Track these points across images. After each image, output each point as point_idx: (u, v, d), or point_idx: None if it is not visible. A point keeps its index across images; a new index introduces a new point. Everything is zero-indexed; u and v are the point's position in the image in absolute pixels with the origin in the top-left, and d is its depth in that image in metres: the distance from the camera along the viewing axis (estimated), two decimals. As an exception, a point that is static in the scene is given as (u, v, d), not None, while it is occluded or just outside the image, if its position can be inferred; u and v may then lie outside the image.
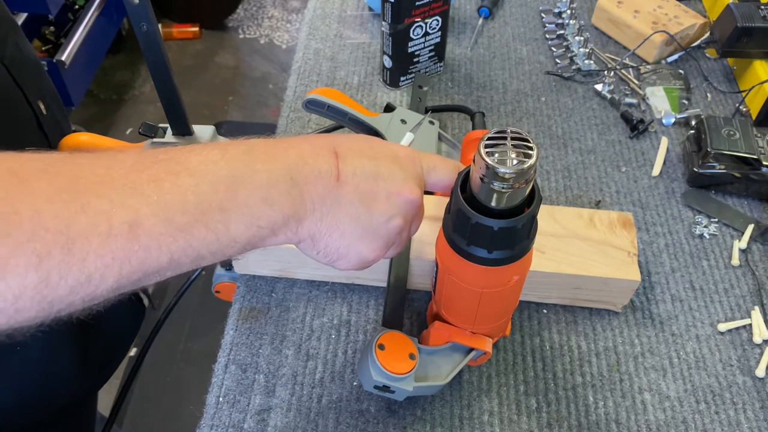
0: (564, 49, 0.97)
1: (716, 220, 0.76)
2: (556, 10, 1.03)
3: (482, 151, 0.43)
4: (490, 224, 0.45)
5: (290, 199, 0.41)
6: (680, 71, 0.93)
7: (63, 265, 0.33)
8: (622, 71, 0.94)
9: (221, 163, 0.39)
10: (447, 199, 0.50)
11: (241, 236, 0.39)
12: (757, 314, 0.68)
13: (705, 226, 0.76)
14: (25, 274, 0.32)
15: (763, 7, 0.86)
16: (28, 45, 0.67)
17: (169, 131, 0.67)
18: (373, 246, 0.46)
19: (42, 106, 0.64)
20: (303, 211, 0.42)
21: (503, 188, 0.43)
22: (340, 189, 0.43)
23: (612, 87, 0.91)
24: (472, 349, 0.59)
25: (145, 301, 0.87)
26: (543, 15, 1.03)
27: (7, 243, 0.31)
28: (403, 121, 0.75)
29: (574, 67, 0.94)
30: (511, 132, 0.44)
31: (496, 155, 0.43)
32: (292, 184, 0.41)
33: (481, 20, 1.01)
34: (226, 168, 0.39)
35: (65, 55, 1.89)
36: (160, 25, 1.74)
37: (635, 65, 0.95)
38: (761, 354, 0.65)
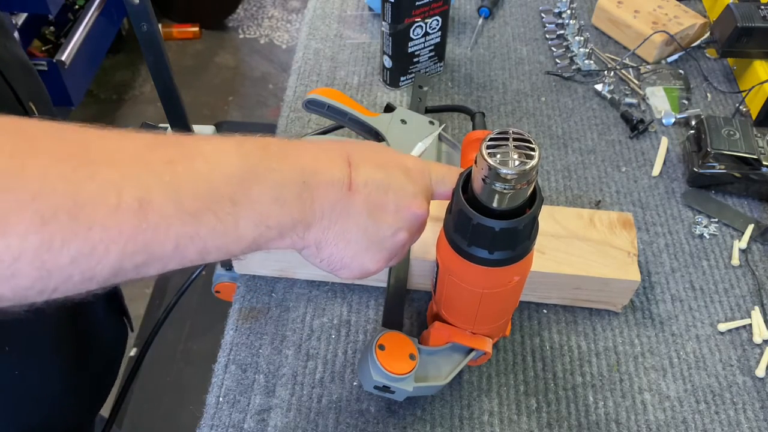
0: (564, 49, 0.97)
1: (716, 220, 0.76)
2: (556, 10, 1.03)
3: (484, 152, 0.43)
4: (492, 225, 0.45)
5: (301, 202, 0.41)
6: (680, 71, 0.93)
7: (67, 231, 0.31)
8: (622, 71, 0.94)
9: (236, 156, 0.38)
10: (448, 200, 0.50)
11: (248, 234, 0.39)
12: (757, 314, 0.68)
13: (705, 226, 0.76)
14: (26, 235, 0.30)
15: (763, 7, 0.86)
16: (17, 46, 0.66)
17: (169, 131, 0.67)
18: (377, 258, 0.46)
19: (33, 107, 0.64)
20: (312, 217, 0.42)
21: (505, 189, 0.43)
22: (350, 198, 0.43)
23: (612, 87, 0.91)
24: (472, 350, 0.59)
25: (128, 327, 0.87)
26: (543, 15, 1.03)
27: (9, 199, 0.29)
28: (403, 121, 0.75)
29: (574, 67, 0.94)
30: (513, 133, 0.44)
31: (498, 156, 0.43)
32: (304, 187, 0.41)
33: (481, 20, 1.01)
34: (240, 161, 0.38)
35: (65, 55, 1.89)
36: (160, 25, 1.73)
37: (635, 65, 0.95)
38: (761, 354, 0.65)
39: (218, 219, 0.37)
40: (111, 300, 0.79)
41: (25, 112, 0.62)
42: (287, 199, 0.40)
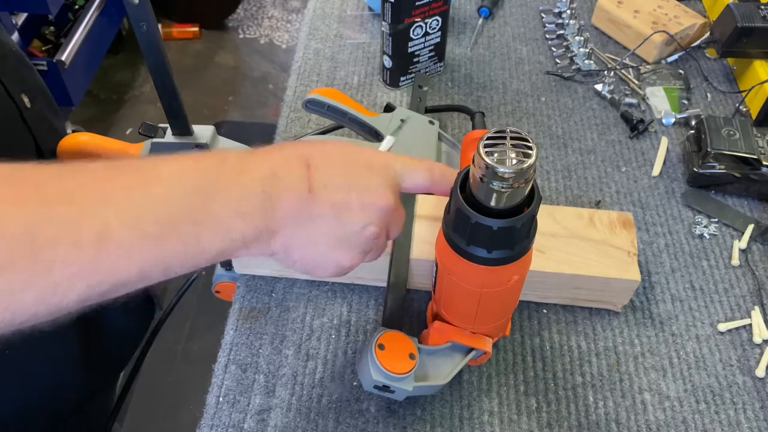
0: (564, 49, 0.97)
1: (716, 220, 0.76)
2: (556, 10, 1.03)
3: (482, 150, 0.43)
4: (490, 224, 0.45)
5: (263, 212, 0.41)
6: (680, 71, 0.93)
7: (27, 275, 0.32)
8: (622, 71, 0.94)
9: (194, 174, 0.39)
10: (447, 199, 0.50)
11: (212, 248, 0.39)
12: (757, 314, 0.68)
13: (705, 226, 0.76)
14: None
15: (763, 7, 0.86)
16: (7, 37, 0.66)
17: (169, 131, 0.67)
18: (349, 255, 0.46)
19: (26, 100, 0.63)
20: (275, 225, 0.42)
21: (503, 188, 0.43)
22: (312, 201, 0.43)
23: (612, 87, 0.91)
24: (472, 349, 0.59)
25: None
26: (543, 15, 1.03)
27: None
28: (403, 121, 0.75)
29: (574, 67, 0.94)
30: (511, 132, 0.44)
31: (496, 155, 0.43)
32: (264, 197, 0.41)
33: (481, 20, 1.01)
34: (199, 179, 0.39)
35: (65, 55, 1.89)
36: (160, 25, 1.73)
37: (635, 65, 0.95)
38: (761, 354, 0.65)
39: (180, 239, 0.37)
40: None
41: (15, 104, 0.61)
42: (249, 211, 0.40)
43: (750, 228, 0.75)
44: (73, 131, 0.74)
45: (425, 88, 0.85)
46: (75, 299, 0.34)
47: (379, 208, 0.45)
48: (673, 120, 0.87)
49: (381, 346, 0.54)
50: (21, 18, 1.93)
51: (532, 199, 0.46)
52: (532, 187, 0.46)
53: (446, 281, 0.54)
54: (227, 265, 0.74)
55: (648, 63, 0.95)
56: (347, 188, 0.44)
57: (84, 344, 0.70)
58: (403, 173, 0.48)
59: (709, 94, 0.91)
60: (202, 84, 2.47)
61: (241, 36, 2.68)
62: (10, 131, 0.61)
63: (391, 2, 0.81)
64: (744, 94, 0.88)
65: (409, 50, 0.87)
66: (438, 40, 0.89)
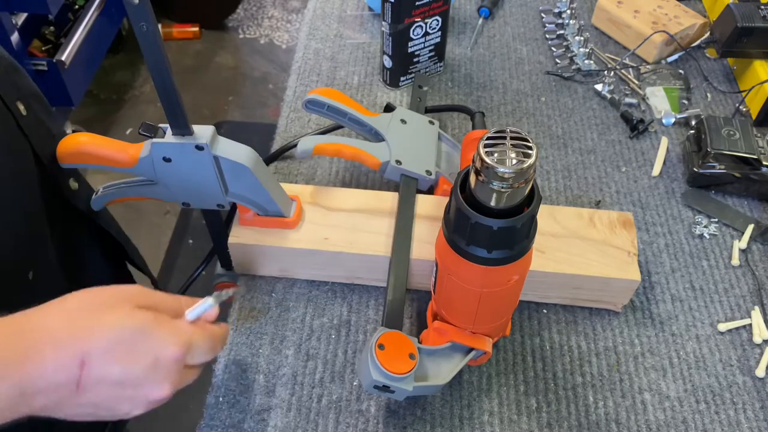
0: (564, 49, 0.97)
1: (716, 220, 0.76)
2: (556, 10, 1.03)
3: (482, 150, 0.43)
4: (490, 224, 0.45)
5: (13, 410, 0.40)
6: (680, 71, 0.93)
7: None
8: (622, 71, 0.94)
9: None
10: (447, 199, 0.50)
11: None
12: (757, 314, 0.68)
13: (705, 226, 0.76)
14: None
15: (763, 7, 0.86)
16: None
17: (169, 131, 0.66)
18: (111, 420, 0.46)
19: (21, 107, 0.63)
20: (28, 412, 0.41)
21: (503, 188, 0.43)
22: (78, 396, 0.43)
23: (612, 87, 0.91)
24: (472, 349, 0.59)
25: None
26: (543, 15, 1.03)
27: None
28: (403, 121, 0.75)
29: (574, 67, 0.94)
30: (511, 132, 0.44)
31: (496, 155, 0.43)
32: (20, 396, 0.40)
33: (481, 20, 1.01)
34: None
35: (65, 55, 1.89)
36: (160, 25, 1.73)
37: (635, 65, 0.95)
38: (761, 354, 0.65)
39: None
40: (120, 270, 0.79)
41: (11, 113, 0.61)
42: None
43: (750, 228, 0.75)
44: (73, 131, 0.74)
45: (425, 88, 0.85)
46: None
47: (150, 401, 0.45)
48: (673, 120, 0.87)
49: (381, 346, 0.54)
50: (21, 18, 1.92)
51: (532, 199, 0.46)
52: (532, 187, 0.46)
53: (446, 281, 0.54)
54: (227, 265, 0.74)
55: (648, 63, 0.95)
56: (121, 383, 0.44)
57: None
58: (194, 356, 0.48)
59: (709, 94, 0.91)
60: (202, 84, 2.47)
61: (241, 36, 2.68)
62: (6, 140, 0.61)
63: (391, 2, 0.81)
64: (744, 94, 0.88)
65: (409, 50, 0.87)
66: (438, 40, 0.89)
